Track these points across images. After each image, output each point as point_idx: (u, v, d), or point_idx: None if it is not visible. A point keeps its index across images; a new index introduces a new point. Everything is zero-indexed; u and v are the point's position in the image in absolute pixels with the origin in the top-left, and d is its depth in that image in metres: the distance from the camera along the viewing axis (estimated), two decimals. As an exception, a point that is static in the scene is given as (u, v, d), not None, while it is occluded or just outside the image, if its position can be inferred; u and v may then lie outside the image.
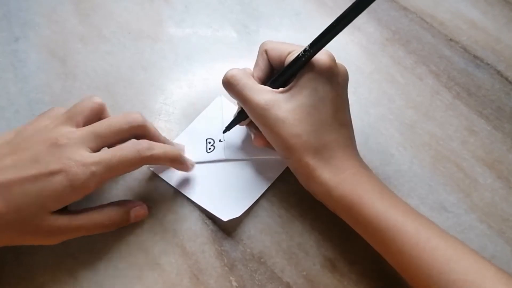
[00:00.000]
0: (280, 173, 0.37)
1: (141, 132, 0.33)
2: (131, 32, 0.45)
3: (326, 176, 0.31)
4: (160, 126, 0.39)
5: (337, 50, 0.35)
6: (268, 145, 0.35)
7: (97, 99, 0.33)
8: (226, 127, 0.37)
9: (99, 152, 0.31)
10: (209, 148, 0.38)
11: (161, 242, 0.34)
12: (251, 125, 0.36)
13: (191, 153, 0.37)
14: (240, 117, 0.36)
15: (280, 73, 0.33)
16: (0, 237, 0.29)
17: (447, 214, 0.36)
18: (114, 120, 0.32)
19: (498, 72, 0.43)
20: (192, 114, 0.40)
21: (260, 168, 0.37)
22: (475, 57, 0.44)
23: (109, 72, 0.42)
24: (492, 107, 0.41)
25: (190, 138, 0.38)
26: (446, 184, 0.38)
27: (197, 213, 0.36)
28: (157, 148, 0.32)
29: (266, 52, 0.35)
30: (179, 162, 0.34)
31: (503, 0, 0.48)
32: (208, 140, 0.38)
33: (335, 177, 0.31)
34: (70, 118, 0.31)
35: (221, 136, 0.38)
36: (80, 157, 0.29)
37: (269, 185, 0.37)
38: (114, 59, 0.43)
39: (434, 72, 0.43)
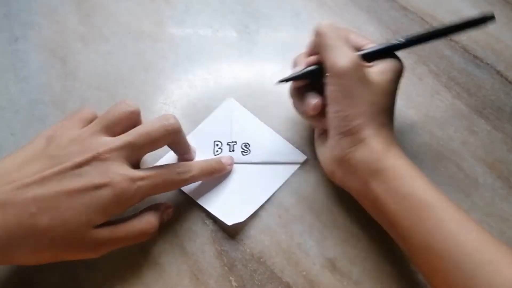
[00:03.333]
0: (286, 179, 0.37)
1: (175, 138, 0.33)
2: (132, 32, 0.45)
3: (379, 146, 0.31)
4: (160, 126, 0.39)
5: (337, 50, 0.35)
6: (318, 115, 0.34)
7: (132, 107, 0.32)
8: (283, 79, 0.34)
9: (144, 169, 0.31)
10: (217, 151, 0.38)
11: (161, 242, 0.35)
12: (299, 93, 0.35)
13: (198, 155, 0.37)
14: (311, 73, 0.34)
15: (373, 51, 0.33)
16: (44, 255, 0.28)
17: (447, 214, 0.36)
18: (151, 128, 0.31)
19: (498, 72, 0.43)
20: (192, 114, 0.40)
21: (266, 173, 0.37)
22: (475, 57, 0.44)
23: (110, 72, 0.42)
24: (492, 107, 0.41)
25: (198, 140, 0.38)
26: (446, 184, 0.38)
27: (197, 213, 0.36)
28: (194, 169, 0.33)
29: (346, 37, 0.34)
30: (218, 171, 0.36)
31: (503, 0, 0.48)
32: (216, 143, 0.38)
33: (387, 147, 0.32)
34: (106, 128, 0.31)
35: (230, 138, 0.38)
36: (126, 171, 0.29)
37: (274, 191, 0.36)
38: (115, 59, 0.43)
39: (434, 72, 0.43)
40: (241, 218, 0.35)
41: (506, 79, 0.43)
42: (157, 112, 0.40)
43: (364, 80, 0.31)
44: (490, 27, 0.46)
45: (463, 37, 0.45)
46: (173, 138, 0.32)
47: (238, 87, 0.42)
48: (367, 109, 0.32)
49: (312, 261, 0.34)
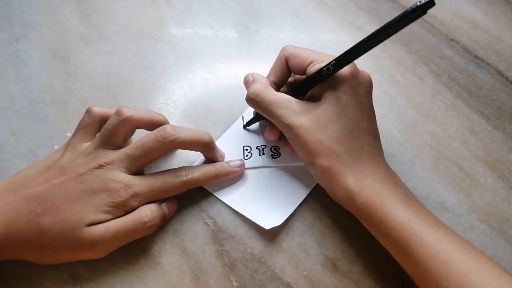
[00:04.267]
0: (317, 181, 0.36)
1: (173, 146, 0.34)
2: (132, 32, 0.45)
3: (350, 181, 0.31)
4: (161, 126, 0.39)
5: (338, 50, 0.35)
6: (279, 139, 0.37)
7: (123, 115, 0.33)
8: (246, 123, 0.39)
9: (144, 175, 0.34)
10: (246, 155, 0.38)
11: (162, 242, 0.35)
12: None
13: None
14: (260, 116, 0.37)
15: (301, 84, 0.34)
16: (46, 252, 0.31)
17: (448, 214, 0.36)
18: (146, 140, 0.33)
19: (499, 72, 0.43)
20: (193, 114, 0.40)
21: (298, 175, 0.37)
22: (476, 57, 0.44)
23: (111, 72, 0.43)
24: (493, 107, 0.41)
25: (227, 146, 0.38)
26: (447, 184, 0.38)
27: (197, 213, 0.36)
28: (195, 172, 0.34)
29: (286, 59, 0.35)
30: (224, 175, 0.35)
31: (504, 0, 0.48)
32: (245, 147, 0.38)
33: (359, 182, 0.31)
34: (105, 141, 0.33)
35: (258, 142, 0.38)
36: (123, 179, 0.32)
37: (309, 191, 0.36)
38: (116, 59, 0.43)
39: (435, 72, 0.43)
40: (278, 222, 0.34)
41: (507, 79, 0.43)
42: (158, 112, 0.40)
43: (304, 127, 0.32)
44: (491, 27, 0.46)
45: (464, 37, 0.45)
46: (170, 147, 0.33)
47: (239, 87, 0.42)
48: (319, 148, 0.32)
49: (313, 261, 0.34)
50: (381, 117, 0.40)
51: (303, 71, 0.35)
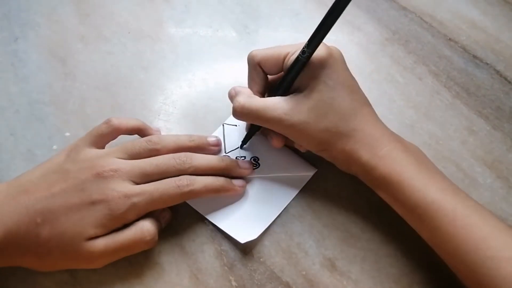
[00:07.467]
0: (297, 192, 0.36)
1: (189, 173, 0.33)
2: (131, 32, 0.45)
3: (365, 157, 0.32)
4: (160, 126, 0.39)
5: (336, 50, 0.35)
6: (288, 143, 0.36)
7: (156, 144, 0.34)
8: (242, 142, 0.38)
9: (142, 185, 0.32)
10: None
11: (161, 241, 0.34)
12: (265, 129, 0.36)
13: None
14: (253, 130, 0.37)
15: (283, 79, 0.33)
16: (46, 262, 0.31)
17: (446, 214, 0.36)
18: (162, 161, 0.33)
19: (498, 72, 0.43)
20: (192, 114, 0.40)
21: (276, 187, 0.36)
22: (475, 56, 0.44)
23: (109, 72, 0.43)
24: (492, 107, 0.41)
25: None
26: (446, 183, 0.38)
27: (196, 213, 0.36)
28: (197, 183, 0.33)
29: (259, 65, 0.35)
30: (225, 190, 0.35)
31: (503, 0, 0.48)
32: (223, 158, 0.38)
33: (374, 156, 0.32)
34: (119, 150, 0.33)
35: (238, 153, 0.38)
36: (123, 189, 0.31)
37: (285, 205, 0.36)
38: (114, 59, 0.43)
39: (433, 72, 0.43)
40: (253, 235, 0.34)
41: (506, 79, 0.43)
42: (156, 112, 0.40)
43: (304, 122, 0.32)
44: (489, 27, 0.46)
45: (463, 37, 0.45)
46: (185, 173, 0.33)
47: (238, 87, 0.42)
48: (328, 136, 0.32)
49: (312, 261, 0.34)
50: (380, 116, 0.40)
51: (280, 68, 0.34)
